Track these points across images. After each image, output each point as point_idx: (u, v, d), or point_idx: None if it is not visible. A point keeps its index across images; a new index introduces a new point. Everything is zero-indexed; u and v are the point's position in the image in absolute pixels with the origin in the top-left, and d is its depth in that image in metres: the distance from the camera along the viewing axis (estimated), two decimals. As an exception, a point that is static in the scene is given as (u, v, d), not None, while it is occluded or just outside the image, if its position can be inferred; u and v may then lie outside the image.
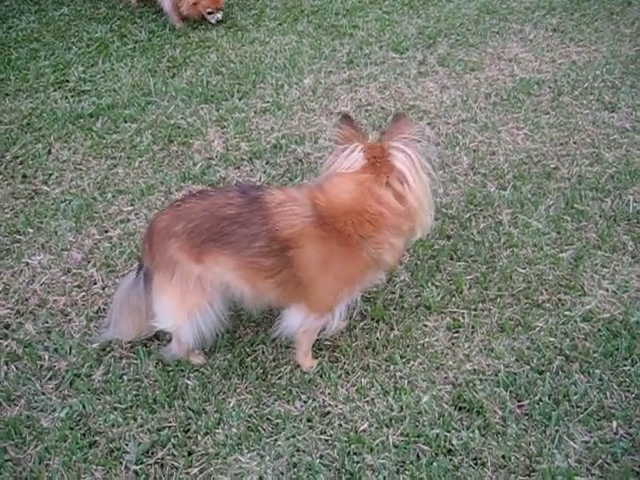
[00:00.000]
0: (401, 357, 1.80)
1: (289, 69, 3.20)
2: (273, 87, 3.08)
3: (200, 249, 1.55)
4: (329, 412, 1.67)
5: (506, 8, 3.85)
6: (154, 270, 1.63)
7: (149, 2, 3.76)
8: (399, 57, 3.30)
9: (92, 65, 3.30)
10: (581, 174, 2.48)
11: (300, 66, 3.21)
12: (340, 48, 3.39)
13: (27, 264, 2.17)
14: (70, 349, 1.85)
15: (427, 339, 1.86)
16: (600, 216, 2.25)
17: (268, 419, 1.66)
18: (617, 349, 1.79)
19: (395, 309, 1.95)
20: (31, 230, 2.31)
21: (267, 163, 2.56)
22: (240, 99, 2.99)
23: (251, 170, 2.52)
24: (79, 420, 1.67)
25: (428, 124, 2.77)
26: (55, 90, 3.14)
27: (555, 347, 1.82)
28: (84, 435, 1.63)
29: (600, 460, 1.53)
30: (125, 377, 1.77)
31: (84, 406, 1.69)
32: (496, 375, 1.74)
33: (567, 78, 3.12)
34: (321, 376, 1.75)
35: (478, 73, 3.16)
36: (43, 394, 1.73)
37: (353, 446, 1.58)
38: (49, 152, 2.72)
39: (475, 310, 1.94)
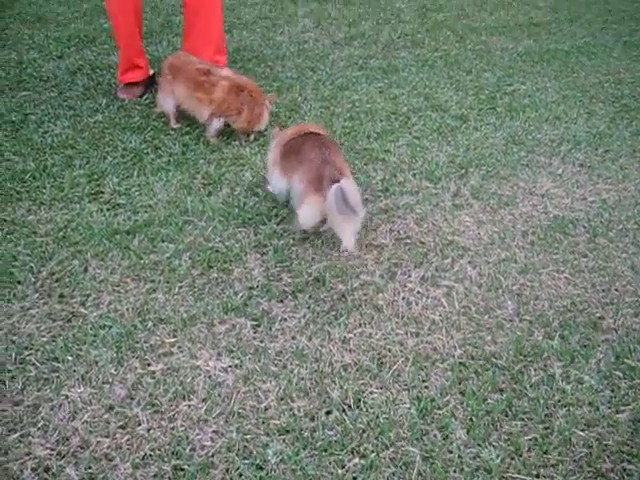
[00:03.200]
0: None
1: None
2: (310, 212, 3.07)
3: None
4: None
5: (532, 140, 3.94)
6: None
7: (184, 116, 3.80)
8: (433, 187, 3.34)
9: (127, 177, 3.30)
10: (627, 325, 2.47)
11: (336, 191, 3.21)
12: (374, 174, 3.43)
13: (67, 397, 2.10)
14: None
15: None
16: (652, 374, 2.22)
17: None
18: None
19: (455, 471, 1.88)
20: (70, 358, 2.24)
21: (310, 297, 2.53)
22: (278, 224, 2.98)
23: (295, 306, 2.47)
24: None
25: (469, 263, 2.76)
26: (90, 202, 3.13)
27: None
28: None
29: None
30: None
31: None
32: None
33: (600, 218, 3.16)
34: None
35: (512, 208, 3.20)
36: None
37: None
38: (86, 270, 2.67)
39: (537, 477, 1.87)
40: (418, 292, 2.56)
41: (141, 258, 2.74)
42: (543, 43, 5.63)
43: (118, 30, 4.01)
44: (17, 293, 2.51)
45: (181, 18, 5.41)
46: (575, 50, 5.53)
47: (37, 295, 2.52)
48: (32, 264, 2.66)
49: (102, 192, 3.21)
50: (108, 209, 3.08)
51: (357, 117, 4.05)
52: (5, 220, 2.95)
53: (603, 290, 2.64)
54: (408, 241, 2.90)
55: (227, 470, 1.88)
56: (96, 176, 3.33)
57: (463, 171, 3.50)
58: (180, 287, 2.58)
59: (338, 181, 2.47)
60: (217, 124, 3.68)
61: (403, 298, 2.53)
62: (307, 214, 2.67)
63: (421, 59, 5.05)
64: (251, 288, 2.59)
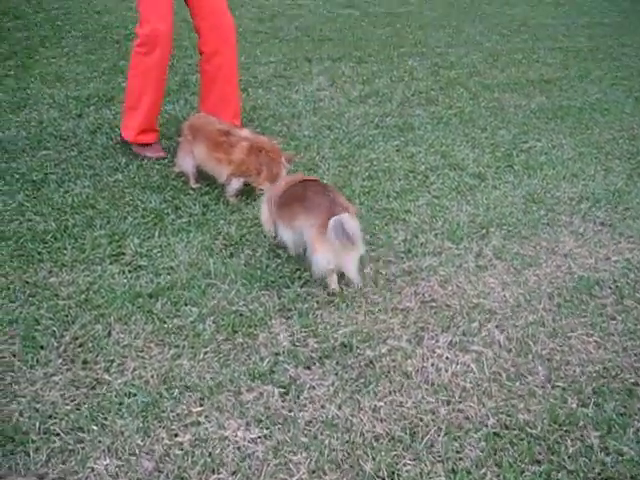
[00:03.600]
0: None
1: (347, 255, 3.19)
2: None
3: None
4: None
5: (551, 198, 3.94)
6: None
7: (203, 176, 3.82)
8: (455, 247, 3.32)
9: (148, 238, 3.30)
10: (663, 393, 2.41)
11: (358, 252, 3.20)
12: (395, 235, 3.41)
13: (93, 470, 2.05)
14: None
15: None
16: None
17: None
18: None
19: None
20: (95, 428, 2.19)
21: (338, 364, 2.49)
22: (301, 287, 2.96)
23: (323, 373, 2.43)
24: None
25: (497, 327, 2.73)
26: (112, 263, 3.11)
27: None
28: None
29: None
30: None
31: None
32: None
33: (626, 279, 3.13)
34: None
35: (536, 269, 3.17)
36: None
37: None
38: (109, 334, 2.65)
39: None
40: (447, 358, 2.52)
41: (164, 322, 2.71)
42: (555, 100, 5.68)
43: (143, 96, 4.05)
44: (40, 359, 2.48)
45: (197, 77, 5.50)
46: (587, 107, 5.58)
47: (60, 361, 2.48)
48: (55, 328, 2.64)
49: (123, 253, 3.19)
50: (130, 271, 3.07)
51: (375, 176, 4.06)
52: (27, 282, 2.93)
53: (635, 354, 2.60)
54: (433, 304, 2.87)
55: None
56: (117, 237, 3.32)
57: (484, 231, 3.48)
58: (205, 353, 2.54)
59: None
60: (236, 184, 3.69)
61: (432, 364, 2.49)
62: (322, 260, 2.76)
63: (436, 116, 5.09)
64: (277, 354, 2.55)
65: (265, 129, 4.66)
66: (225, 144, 3.66)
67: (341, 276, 2.91)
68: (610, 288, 3.02)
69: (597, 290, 3.00)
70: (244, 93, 5.35)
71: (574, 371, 2.48)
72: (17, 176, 3.81)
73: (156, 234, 3.35)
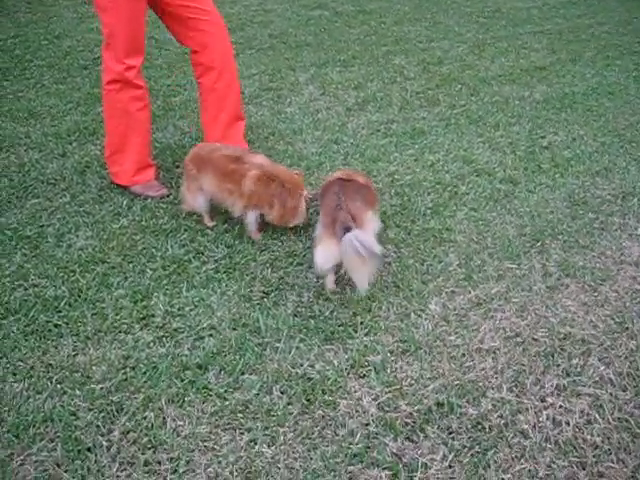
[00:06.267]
0: None
1: (404, 290, 2.87)
2: (396, 315, 2.73)
3: None
4: None
5: (593, 197, 3.67)
6: None
7: (218, 210, 3.43)
8: (516, 267, 3.02)
9: (176, 293, 2.91)
10: None
11: (416, 287, 2.89)
12: (446, 258, 3.09)
13: None
14: None
15: None
16: None
17: None
18: None
19: None
20: None
21: (441, 429, 2.15)
22: (367, 334, 2.62)
23: (430, 444, 2.09)
24: None
25: (599, 360, 2.42)
26: (142, 329, 2.72)
27: None
28: None
29: None
30: None
31: None
32: None
33: None
34: None
35: (612, 284, 2.89)
36: None
37: None
38: (164, 422, 2.27)
39: None
40: (561, 407, 2.21)
41: (225, 399, 2.34)
42: (557, 87, 5.43)
43: (129, 140, 3.63)
44: (91, 465, 2.09)
45: (181, 97, 5.09)
46: (591, 92, 5.34)
47: (117, 466, 2.09)
48: (98, 422, 2.25)
49: (152, 315, 2.80)
50: (165, 337, 2.68)
51: (402, 192, 3.73)
52: (51, 365, 2.53)
53: None
54: (519, 339, 2.55)
55: None
56: (140, 295, 2.92)
57: (539, 244, 3.18)
58: (284, 434, 2.18)
59: (349, 227, 2.60)
60: (252, 218, 3.30)
61: (548, 417, 2.17)
62: (321, 257, 2.73)
63: (443, 118, 4.78)
64: (367, 424, 2.20)
65: (269, 150, 4.29)
66: (236, 173, 3.25)
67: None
68: (700, 299, 2.73)
69: (687, 303, 2.70)
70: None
71: None
72: (9, 233, 3.36)
73: (184, 287, 2.95)
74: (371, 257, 2.56)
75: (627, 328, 2.57)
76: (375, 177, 3.93)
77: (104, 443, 2.17)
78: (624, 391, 2.27)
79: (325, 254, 2.72)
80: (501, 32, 7.11)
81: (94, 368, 2.51)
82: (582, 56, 6.33)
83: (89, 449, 2.15)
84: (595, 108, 5.02)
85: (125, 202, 3.69)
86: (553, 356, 2.44)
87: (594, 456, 2.04)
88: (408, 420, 2.19)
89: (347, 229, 2.62)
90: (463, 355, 2.47)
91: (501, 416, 2.18)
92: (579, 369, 2.38)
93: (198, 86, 3.90)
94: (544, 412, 2.19)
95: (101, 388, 2.42)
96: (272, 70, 5.80)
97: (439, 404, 2.25)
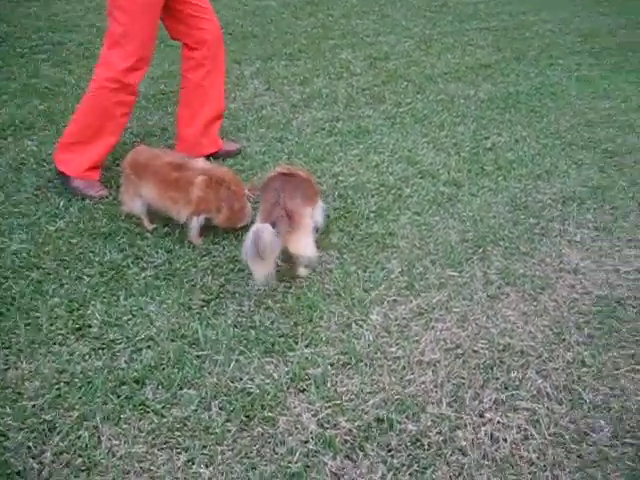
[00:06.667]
0: None
1: (345, 298, 2.86)
2: (337, 325, 2.72)
3: None
4: None
5: (534, 202, 3.73)
6: None
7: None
8: (458, 275, 3.04)
9: (114, 302, 2.84)
10: None
11: (358, 295, 2.88)
12: (389, 265, 3.10)
13: None
14: None
15: None
16: None
17: None
18: None
19: None
20: None
21: (381, 447, 2.16)
22: (307, 346, 2.60)
23: (370, 463, 2.09)
24: None
25: (537, 372, 2.46)
26: (78, 340, 2.65)
27: None
28: None
29: None
30: None
31: None
32: None
33: (643, 292, 2.92)
34: None
35: (551, 293, 2.94)
36: None
37: None
38: (99, 441, 2.22)
39: None
40: (499, 422, 2.23)
41: (163, 416, 2.29)
42: (501, 87, 5.49)
43: (101, 134, 3.52)
44: (21, 490, 2.00)
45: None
46: (535, 92, 5.41)
47: (49, 489, 2.01)
48: (29, 443, 2.17)
49: (89, 325, 2.73)
50: (102, 348, 2.61)
51: (346, 195, 3.72)
52: (-20, 381, 2.41)
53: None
54: (459, 351, 2.57)
55: None
56: (76, 304, 2.84)
57: (481, 250, 3.21)
58: (222, 452, 2.15)
59: (273, 223, 2.71)
60: (197, 224, 3.24)
61: (486, 433, 2.19)
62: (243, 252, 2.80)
63: (388, 116, 4.78)
64: (306, 442, 2.19)
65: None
66: (180, 180, 3.18)
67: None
68: (633, 307, 2.83)
69: (621, 311, 2.80)
70: (176, 105, 4.83)
71: (637, 420, 2.22)
72: (-62, 236, 3.21)
73: (121, 295, 2.88)
74: (253, 256, 2.70)
75: (564, 339, 2.61)
76: (319, 178, 3.89)
77: (35, 466, 2.11)
78: (560, 405, 2.31)
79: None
80: (448, 27, 7.14)
81: (26, 384, 2.43)
82: (526, 55, 6.40)
83: (19, 472, 2.09)
84: (538, 109, 5.08)
85: (62, 203, 3.58)
86: (492, 369, 2.46)
87: (530, 473, 2.07)
88: (347, 437, 2.18)
89: (272, 224, 2.72)
90: (404, 368, 2.47)
91: (440, 432, 2.19)
92: (517, 382, 2.40)
93: (182, 80, 3.90)
94: (482, 428, 2.20)
95: (33, 405, 2.34)
96: (217, 63, 5.66)
97: (379, 420, 2.24)
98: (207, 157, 3.71)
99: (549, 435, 2.19)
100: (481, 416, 2.26)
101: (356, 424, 2.24)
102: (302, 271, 3.02)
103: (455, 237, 3.35)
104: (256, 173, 3.93)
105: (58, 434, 2.22)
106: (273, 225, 2.77)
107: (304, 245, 2.95)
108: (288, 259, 2.97)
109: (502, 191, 3.84)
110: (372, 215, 3.54)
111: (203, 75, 3.81)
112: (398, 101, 5.11)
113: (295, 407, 2.32)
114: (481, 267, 3.10)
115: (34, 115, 4.56)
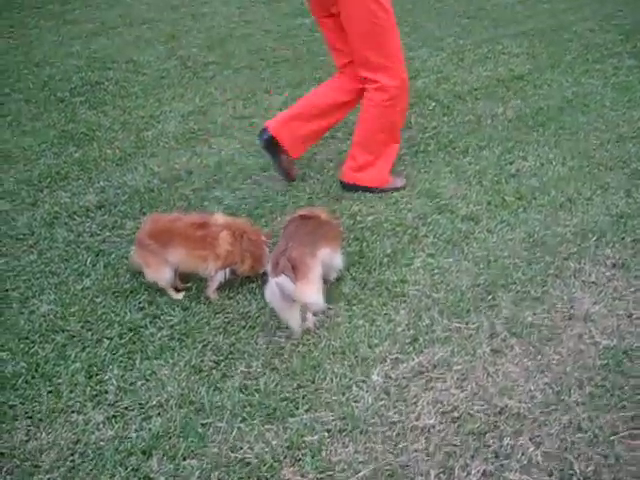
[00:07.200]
0: None
1: (350, 357, 2.93)
2: (338, 387, 2.78)
3: None
4: None
5: (553, 236, 3.67)
6: None
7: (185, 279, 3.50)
8: (465, 326, 3.05)
9: (130, 366, 2.99)
10: None
11: (362, 352, 2.94)
12: (396, 317, 3.13)
13: None
14: None
15: None
16: None
17: None
18: None
19: None
20: None
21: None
22: (307, 411, 2.68)
23: None
24: None
25: (530, 439, 2.47)
26: (94, 407, 2.81)
27: None
28: None
29: None
30: None
31: None
32: None
33: (653, 343, 2.86)
34: None
35: (557, 345, 2.92)
36: None
37: None
38: (105, 518, 2.33)
39: None
40: (484, 498, 2.24)
41: (164, 491, 2.40)
42: (532, 101, 5.39)
43: (386, 148, 4.21)
44: None
45: (153, 132, 5.12)
46: (566, 104, 5.29)
47: None
48: (42, 521, 2.31)
49: (106, 392, 2.88)
50: (115, 416, 2.76)
51: (362, 237, 3.77)
52: (2, 454, 2.60)
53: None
54: (455, 415, 2.60)
55: None
56: (95, 368, 3.00)
57: (491, 297, 3.21)
58: (217, 531, 2.24)
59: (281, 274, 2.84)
60: (221, 277, 3.38)
61: (471, 511, 2.21)
62: (268, 294, 2.97)
63: (412, 144, 4.78)
64: (296, 518, 2.26)
65: (236, 191, 4.32)
66: (207, 238, 3.31)
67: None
68: (640, 360, 2.74)
69: (627, 365, 2.75)
70: (204, 144, 4.99)
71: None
72: (-26, 298, 3.44)
73: (138, 359, 3.03)
74: (288, 301, 2.87)
75: (562, 400, 2.60)
76: (337, 220, 3.94)
77: None
78: (550, 476, 2.32)
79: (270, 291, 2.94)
80: (483, 35, 7.03)
81: (43, 457, 2.60)
82: (561, 60, 6.25)
83: None
84: (568, 125, 4.98)
85: (89, 260, 3.76)
86: (485, 435, 2.49)
87: None
88: (337, 515, 2.25)
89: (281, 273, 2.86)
90: (398, 435, 2.53)
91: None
92: (509, 450, 2.42)
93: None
94: (467, 504, 2.23)
95: (49, 479, 2.49)
96: (247, 93, 5.80)
97: (370, 496, 2.29)
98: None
99: (534, 513, 2.20)
100: (468, 490, 2.28)
101: (347, 499, 2.30)
102: (309, 320, 3.11)
103: (467, 281, 3.35)
104: (275, 217, 4.01)
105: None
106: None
107: (310, 293, 3.05)
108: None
109: (520, 225, 3.81)
110: (386, 260, 3.58)
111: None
112: (424, 125, 5.11)
113: (289, 479, 2.40)
114: (489, 316, 3.10)
115: (69, 164, 4.77)
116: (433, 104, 5.46)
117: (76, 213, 4.22)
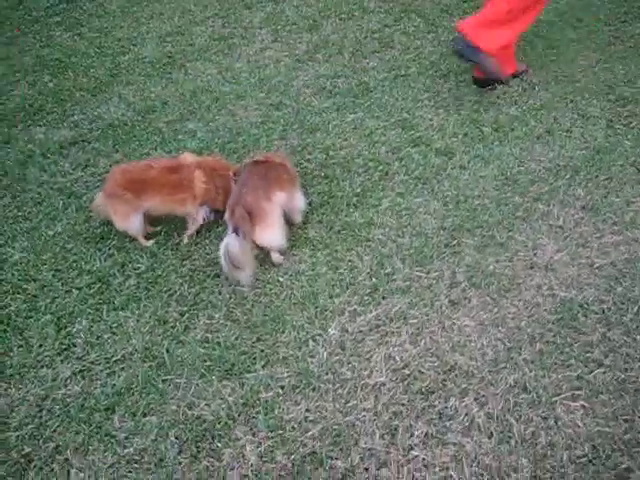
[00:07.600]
0: None
1: (309, 308, 2.98)
2: (295, 341, 2.85)
3: None
4: None
5: (526, 172, 3.63)
6: None
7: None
8: (425, 275, 3.07)
9: (97, 318, 3.07)
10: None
11: (322, 303, 2.99)
12: (359, 264, 3.16)
13: None
14: None
15: None
16: None
17: None
18: None
19: None
20: None
21: (308, 486, 2.32)
22: (264, 366, 2.75)
23: (295, 505, 2.28)
24: None
25: (475, 400, 2.54)
26: (62, 361, 2.92)
27: None
28: None
29: None
30: None
31: None
32: None
33: (612, 295, 2.90)
34: None
35: (515, 296, 2.93)
36: None
37: None
38: (68, 475, 2.49)
39: None
40: (423, 459, 2.35)
41: (125, 447, 2.55)
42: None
43: (516, 22, 4.03)
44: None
45: (129, 56, 5.00)
46: (558, 19, 5.03)
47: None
48: (10, 478, 2.46)
49: (74, 345, 2.98)
50: (82, 370, 2.87)
51: (332, 174, 3.74)
52: (-27, 410, 2.72)
53: (625, 419, 2.41)
54: (406, 372, 2.67)
55: None
56: (64, 320, 3.09)
57: (455, 242, 3.21)
58: (172, 488, 2.38)
59: (236, 229, 2.95)
60: (203, 213, 3.45)
61: (409, 471, 2.32)
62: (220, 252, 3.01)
63: (393, 66, 4.64)
64: (246, 476, 2.38)
65: (210, 123, 4.25)
66: (183, 181, 3.31)
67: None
68: (596, 314, 2.79)
69: (582, 320, 2.77)
70: (181, 70, 4.86)
71: (561, 458, 2.30)
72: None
73: (105, 310, 3.12)
74: (230, 269, 2.96)
75: (512, 358, 2.65)
76: (309, 154, 3.92)
77: (10, 501, 2.40)
78: (489, 438, 2.39)
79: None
80: None
81: (13, 414, 2.72)
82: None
83: (-4, 508, 2.39)
84: (557, 43, 4.80)
85: (61, 203, 3.78)
86: (432, 394, 2.56)
87: (442, 516, 2.20)
88: (282, 473, 2.37)
89: (234, 230, 2.95)
90: (349, 392, 2.61)
91: (366, 469, 2.34)
92: (453, 411, 2.49)
93: None
94: (406, 467, 2.34)
95: (17, 437, 2.63)
96: (227, 11, 5.59)
97: (313, 454, 2.41)
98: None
99: (469, 474, 2.30)
100: (408, 452, 2.38)
101: (292, 458, 2.42)
102: (276, 258, 3.22)
103: (433, 224, 3.35)
104: (248, 152, 3.97)
105: (34, 468, 2.51)
106: (236, 229, 2.98)
107: (269, 236, 3.13)
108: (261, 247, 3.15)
109: (494, 160, 3.75)
110: (354, 200, 3.57)
111: None
112: (407, 45, 4.95)
113: (240, 438, 2.51)
114: (451, 264, 3.11)
115: (44, 95, 4.70)
116: (419, 20, 5.27)
117: (49, 150, 4.20)
